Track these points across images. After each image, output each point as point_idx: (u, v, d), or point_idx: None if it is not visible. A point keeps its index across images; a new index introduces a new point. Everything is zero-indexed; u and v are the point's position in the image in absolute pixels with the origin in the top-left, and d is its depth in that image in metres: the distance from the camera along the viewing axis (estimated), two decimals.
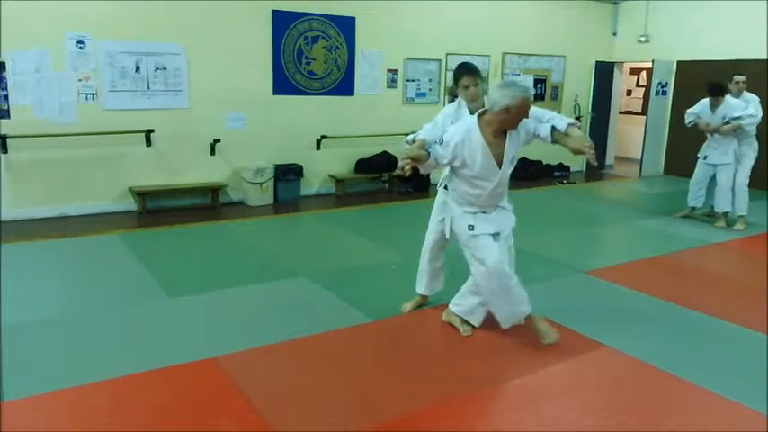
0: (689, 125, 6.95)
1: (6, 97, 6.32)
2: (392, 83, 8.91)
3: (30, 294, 4.35)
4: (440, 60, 9.27)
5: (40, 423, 2.80)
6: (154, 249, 5.59)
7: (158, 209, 7.27)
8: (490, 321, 3.97)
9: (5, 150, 6.34)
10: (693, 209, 7.18)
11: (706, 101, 6.77)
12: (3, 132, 6.32)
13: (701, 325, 4.10)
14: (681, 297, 4.54)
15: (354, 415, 2.91)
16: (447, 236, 3.87)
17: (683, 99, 10.37)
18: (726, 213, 6.87)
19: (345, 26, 8.34)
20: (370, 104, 8.71)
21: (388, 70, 8.84)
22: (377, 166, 8.61)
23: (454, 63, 9.35)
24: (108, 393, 3.05)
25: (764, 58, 9.13)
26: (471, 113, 3.69)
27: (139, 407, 2.95)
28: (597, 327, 3.94)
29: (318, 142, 8.38)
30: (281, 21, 7.81)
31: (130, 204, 7.21)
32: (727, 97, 6.65)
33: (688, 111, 6.97)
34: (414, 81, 9.08)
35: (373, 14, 8.52)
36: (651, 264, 5.50)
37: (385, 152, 8.65)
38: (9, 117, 6.35)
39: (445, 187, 3.84)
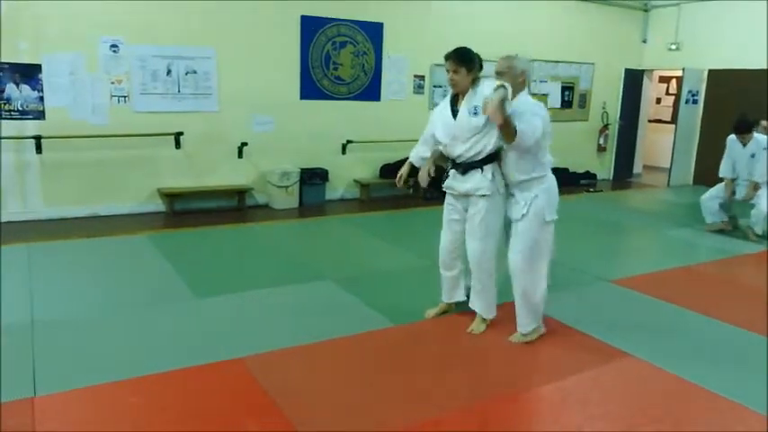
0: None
1: (42, 99, 6.48)
2: (419, 88, 8.94)
3: (61, 292, 4.45)
4: None
5: (70, 419, 2.86)
6: (181, 250, 5.67)
7: (186, 210, 7.38)
8: (512, 327, 3.96)
9: (40, 151, 6.50)
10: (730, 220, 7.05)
11: (734, 137, 6.70)
12: (38, 133, 6.47)
13: (729, 336, 4.03)
14: (708, 307, 4.47)
15: (376, 418, 2.92)
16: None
17: (714, 108, 10.24)
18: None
19: (373, 32, 8.39)
20: (396, 110, 8.73)
21: (415, 76, 8.87)
22: None
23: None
24: (135, 391, 3.10)
25: None
26: (453, 106, 3.79)
27: (166, 405, 3.00)
28: (623, 336, 3.90)
29: (344, 147, 8.42)
30: (310, 26, 7.89)
31: (159, 205, 7.33)
32: (755, 133, 6.60)
33: (723, 161, 6.79)
34: (440, 87, 9.08)
35: (401, 20, 8.56)
36: (678, 274, 5.42)
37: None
38: (44, 118, 6.51)
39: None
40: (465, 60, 3.65)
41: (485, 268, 3.85)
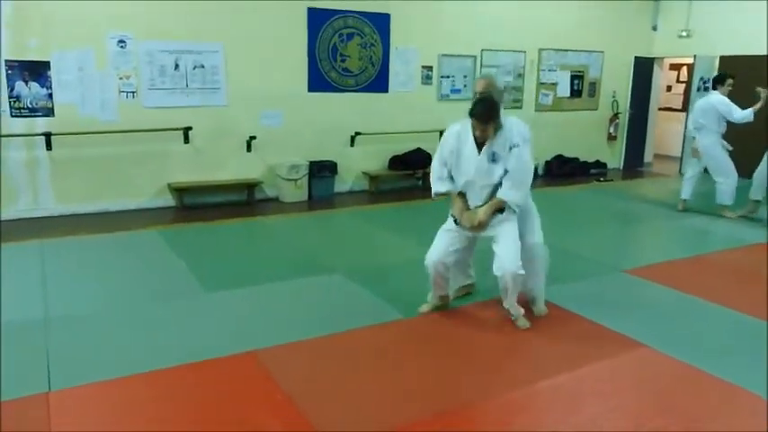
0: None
1: (51, 96, 6.50)
2: (427, 79, 8.88)
3: (73, 288, 4.47)
4: (475, 56, 9.20)
5: (84, 413, 2.88)
6: (192, 245, 5.68)
7: (196, 205, 7.39)
8: (529, 320, 3.94)
9: (50, 147, 6.52)
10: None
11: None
12: (47, 130, 6.49)
13: (744, 325, 3.99)
14: (722, 297, 4.43)
15: (390, 411, 2.92)
16: None
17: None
18: None
19: (380, 23, 8.34)
20: (404, 101, 8.69)
21: (423, 66, 8.81)
22: (411, 163, 8.59)
23: (490, 59, 9.32)
24: (149, 385, 3.11)
25: None
26: (477, 142, 3.70)
27: (180, 399, 3.01)
28: (636, 326, 3.87)
29: (352, 139, 8.40)
30: (317, 18, 7.85)
31: (169, 200, 7.34)
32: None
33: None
34: (448, 77, 9.03)
35: (408, 11, 8.50)
36: (691, 263, 5.37)
37: (419, 149, 8.63)
38: (53, 115, 6.53)
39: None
40: (491, 119, 3.60)
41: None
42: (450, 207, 3.89)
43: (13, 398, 2.93)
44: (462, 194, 3.84)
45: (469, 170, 3.71)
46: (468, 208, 3.81)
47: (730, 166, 6.98)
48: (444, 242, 3.89)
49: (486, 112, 3.58)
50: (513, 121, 3.75)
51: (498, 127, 3.66)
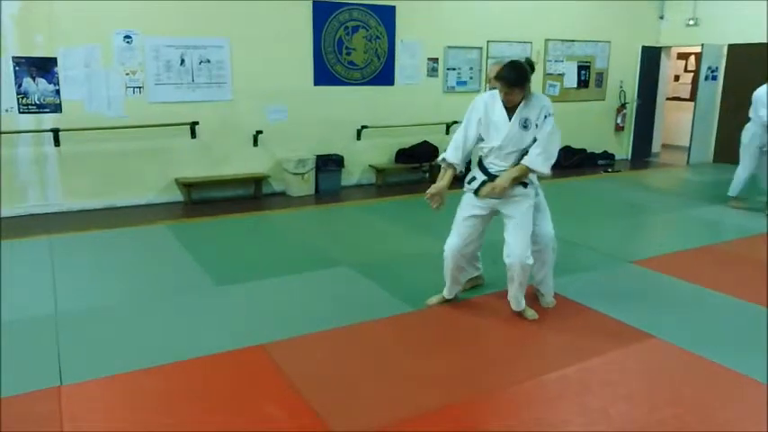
0: None
1: (58, 92, 6.52)
2: (432, 71, 8.85)
3: (82, 284, 4.50)
4: (481, 48, 9.17)
5: (96, 406, 2.90)
6: (200, 239, 5.70)
7: (203, 200, 7.42)
8: (536, 310, 3.93)
9: (58, 143, 6.55)
10: None
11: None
12: (55, 126, 6.52)
13: (754, 315, 3.97)
14: (731, 287, 4.41)
15: (397, 404, 2.92)
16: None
17: (734, 84, 10.02)
18: None
19: (385, 15, 8.32)
20: (410, 94, 8.67)
21: (429, 59, 8.78)
22: (417, 156, 8.58)
23: (496, 51, 9.27)
24: (159, 379, 3.13)
25: None
26: (506, 107, 3.64)
27: (189, 392, 3.02)
28: (645, 317, 3.86)
29: (359, 132, 8.40)
30: (322, 11, 7.84)
31: (176, 195, 7.37)
32: None
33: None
34: (454, 69, 9.00)
35: (413, 3, 8.46)
36: (700, 253, 5.34)
37: (425, 142, 8.61)
38: (61, 111, 6.55)
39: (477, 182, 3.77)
40: (518, 83, 3.53)
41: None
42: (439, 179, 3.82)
43: (25, 392, 2.95)
44: (455, 174, 3.78)
45: (499, 136, 3.63)
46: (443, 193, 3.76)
47: (747, 161, 6.90)
48: (464, 231, 3.84)
49: (514, 75, 3.52)
50: (542, 95, 3.72)
51: (527, 93, 3.61)
